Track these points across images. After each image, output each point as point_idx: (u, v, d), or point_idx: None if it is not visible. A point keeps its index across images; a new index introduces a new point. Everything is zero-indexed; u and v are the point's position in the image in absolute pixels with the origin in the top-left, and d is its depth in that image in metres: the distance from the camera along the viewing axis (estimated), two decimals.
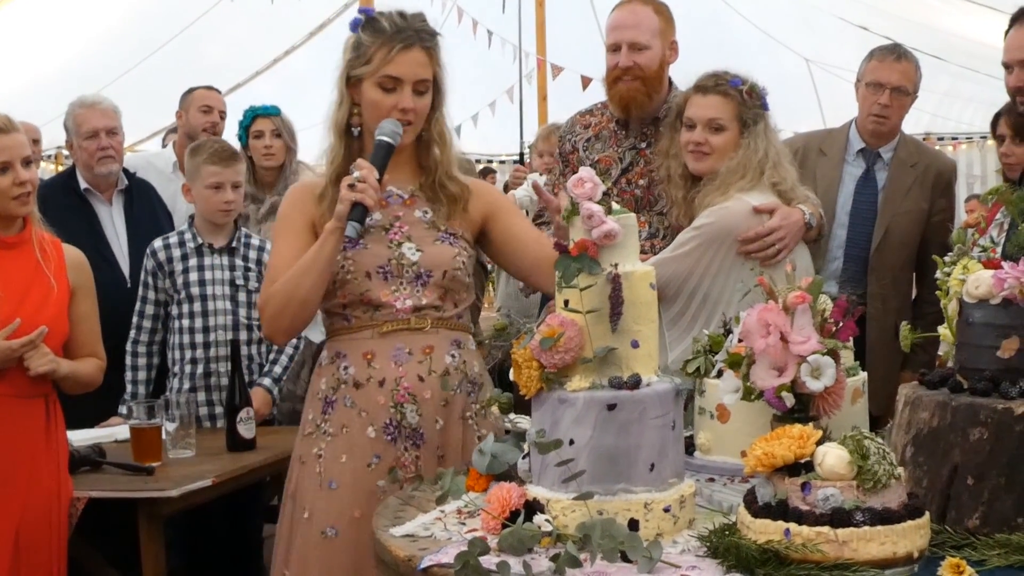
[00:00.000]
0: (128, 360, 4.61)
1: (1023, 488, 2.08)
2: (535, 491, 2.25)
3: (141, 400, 4.22)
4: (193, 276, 4.55)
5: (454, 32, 10.55)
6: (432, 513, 2.47)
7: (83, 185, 5.16)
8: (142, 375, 4.63)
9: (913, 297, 4.69)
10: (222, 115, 6.03)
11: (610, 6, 4.10)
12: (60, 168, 10.18)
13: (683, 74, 3.96)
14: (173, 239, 4.61)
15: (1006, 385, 2.15)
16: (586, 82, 10.32)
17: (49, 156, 11.38)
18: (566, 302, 2.27)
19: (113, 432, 4.34)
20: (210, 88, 6.08)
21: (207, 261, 4.57)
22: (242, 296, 4.58)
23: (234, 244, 4.62)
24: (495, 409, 2.72)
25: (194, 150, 4.66)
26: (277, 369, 4.63)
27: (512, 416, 2.67)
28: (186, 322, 4.55)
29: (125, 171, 5.28)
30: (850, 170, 4.60)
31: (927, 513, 2.01)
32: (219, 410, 4.51)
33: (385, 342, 3.00)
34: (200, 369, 4.53)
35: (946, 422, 2.16)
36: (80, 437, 4.13)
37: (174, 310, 4.58)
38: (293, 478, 3.12)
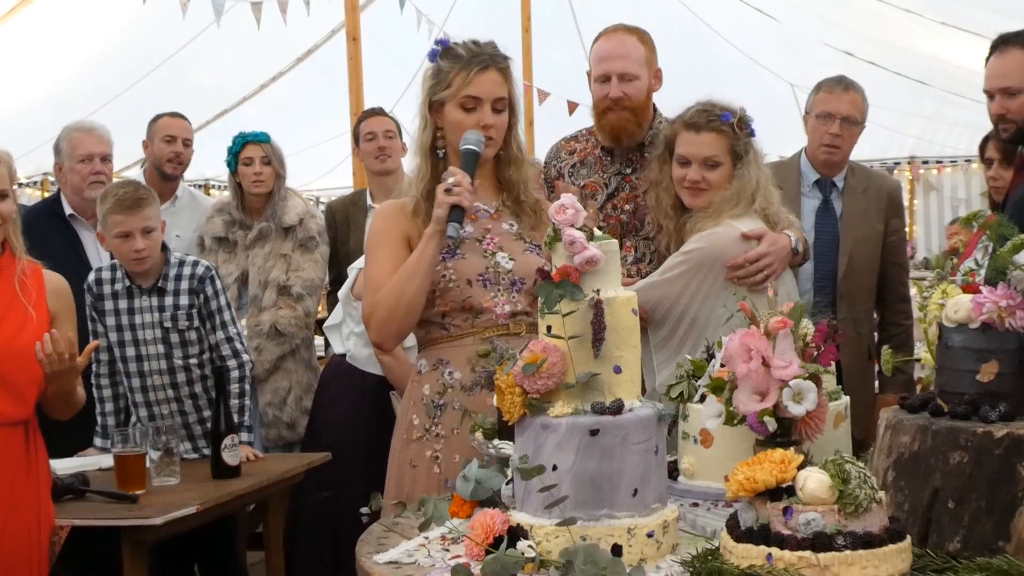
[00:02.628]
0: (94, 393, 4.51)
1: (1003, 511, 2.08)
2: (518, 517, 2.25)
3: (124, 429, 4.19)
4: (124, 320, 4.43)
5: None
6: (416, 540, 2.47)
7: (68, 210, 5.17)
8: (109, 406, 4.55)
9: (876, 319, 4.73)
10: (186, 143, 5.87)
11: (596, 32, 4.12)
12: (45, 195, 10.17)
13: (668, 99, 3.98)
14: (106, 274, 4.47)
15: (986, 409, 2.15)
16: (572, 107, 10.34)
17: (36, 183, 11.38)
18: (549, 328, 2.28)
19: (97, 460, 4.33)
20: (175, 116, 5.94)
21: (136, 303, 4.43)
22: (174, 337, 4.44)
23: (161, 283, 4.43)
24: (479, 435, 2.72)
25: (101, 198, 4.43)
26: (236, 418, 4.38)
27: (496, 442, 2.67)
28: (120, 366, 4.48)
29: None
30: (808, 202, 4.62)
31: (908, 537, 2.01)
32: None
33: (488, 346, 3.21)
34: (144, 412, 4.48)
35: (927, 446, 2.17)
36: (64, 465, 4.12)
37: (115, 353, 4.49)
38: (404, 482, 3.24)
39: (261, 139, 5.47)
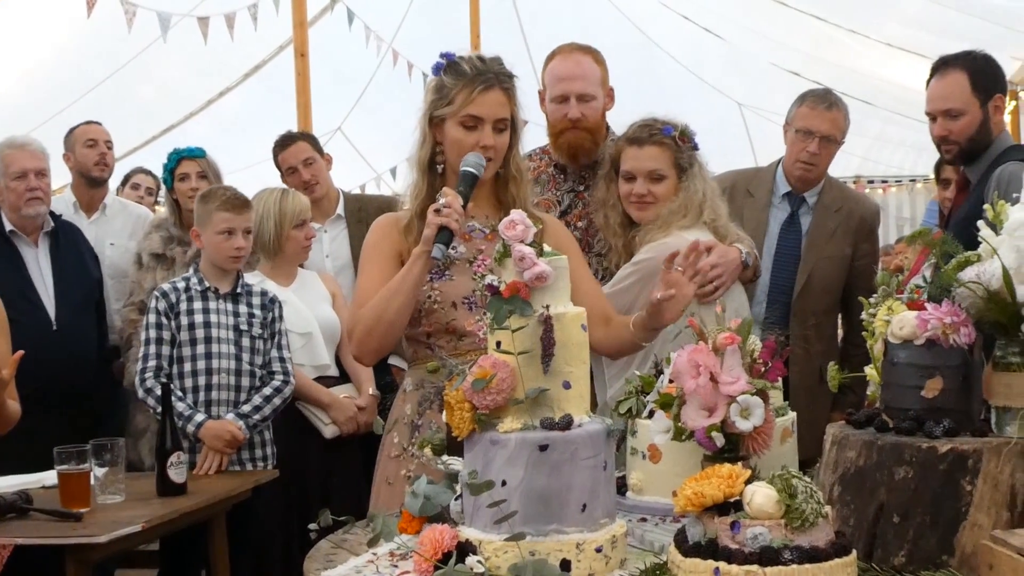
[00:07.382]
0: (158, 392, 4.38)
1: (947, 526, 2.11)
2: (467, 532, 2.25)
3: (71, 447, 4.12)
4: (199, 318, 4.55)
5: (390, 75, 10.56)
6: (364, 556, 2.46)
7: (8, 227, 5.11)
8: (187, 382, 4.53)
9: (840, 339, 4.72)
10: (108, 145, 5.91)
11: (546, 52, 4.14)
12: None
13: (618, 117, 4.01)
14: (180, 284, 4.61)
15: (930, 424, 2.18)
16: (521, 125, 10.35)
17: None
18: (498, 343, 2.28)
19: (41, 478, 4.26)
20: (89, 122, 5.98)
21: (212, 305, 4.59)
22: (246, 341, 4.60)
23: (238, 291, 4.65)
24: (427, 451, 2.71)
25: (205, 196, 4.66)
26: (245, 408, 4.52)
27: (445, 458, 2.67)
28: (188, 366, 4.53)
29: (51, 213, 5.24)
30: (776, 214, 4.59)
31: (854, 551, 2.03)
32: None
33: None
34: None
35: (872, 461, 2.19)
36: (6, 484, 4.06)
37: (178, 351, 4.55)
38: (380, 500, 3.24)
39: (196, 154, 5.43)
